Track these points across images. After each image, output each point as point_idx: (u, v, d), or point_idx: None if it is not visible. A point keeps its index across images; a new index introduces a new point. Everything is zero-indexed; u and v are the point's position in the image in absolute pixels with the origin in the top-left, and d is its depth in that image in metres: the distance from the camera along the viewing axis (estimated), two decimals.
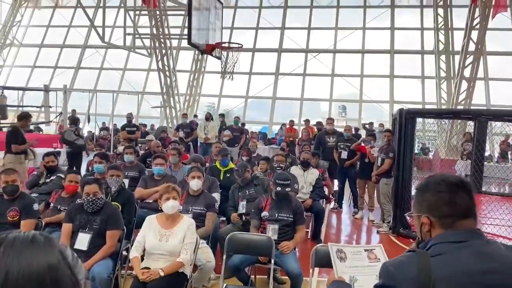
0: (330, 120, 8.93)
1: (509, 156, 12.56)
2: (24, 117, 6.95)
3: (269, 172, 6.00)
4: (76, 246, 3.46)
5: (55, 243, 0.70)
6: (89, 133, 16.67)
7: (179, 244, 3.29)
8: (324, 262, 3.44)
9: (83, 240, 3.49)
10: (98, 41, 10.20)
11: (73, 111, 16.13)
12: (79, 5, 14.46)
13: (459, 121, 11.95)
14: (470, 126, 11.05)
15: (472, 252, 1.25)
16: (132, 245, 3.50)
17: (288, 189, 4.07)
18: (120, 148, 7.55)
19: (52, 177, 5.24)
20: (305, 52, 18.51)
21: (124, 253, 4.16)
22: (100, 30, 9.11)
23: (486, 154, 11.31)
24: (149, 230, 3.30)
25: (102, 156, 5.72)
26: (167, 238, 3.29)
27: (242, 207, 4.91)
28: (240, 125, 11.52)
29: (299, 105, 17.90)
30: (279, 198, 4.08)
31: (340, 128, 9.26)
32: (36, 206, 3.87)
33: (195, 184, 4.28)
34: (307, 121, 12.24)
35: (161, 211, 3.44)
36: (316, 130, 11.45)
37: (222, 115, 12.77)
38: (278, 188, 4.06)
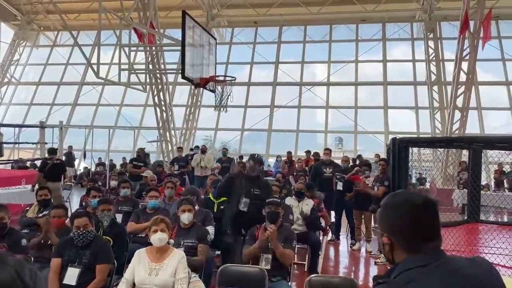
0: (327, 151, 8.94)
1: (505, 185, 12.52)
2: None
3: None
4: (65, 281, 3.38)
5: (10, 261, 0.68)
6: (85, 169, 16.64)
7: (169, 278, 3.22)
8: None
9: (72, 275, 3.41)
10: (95, 78, 10.33)
11: (70, 147, 16.21)
12: (76, 43, 14.76)
13: (454, 150, 12.00)
14: (465, 155, 11.09)
15: (445, 273, 1.21)
16: None
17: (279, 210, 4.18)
18: (113, 183, 7.50)
19: (45, 212, 5.19)
20: (299, 85, 18.77)
21: None
22: (96, 66, 9.24)
23: (483, 183, 11.29)
24: (138, 264, 3.24)
25: (98, 190, 5.75)
26: (156, 272, 3.22)
27: (244, 204, 4.92)
28: (238, 157, 11.63)
29: (294, 137, 17.99)
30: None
31: (338, 160, 9.26)
32: (24, 242, 3.82)
33: (186, 218, 4.22)
34: (308, 152, 12.35)
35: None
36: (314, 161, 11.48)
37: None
38: (268, 210, 4.14)
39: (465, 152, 11.10)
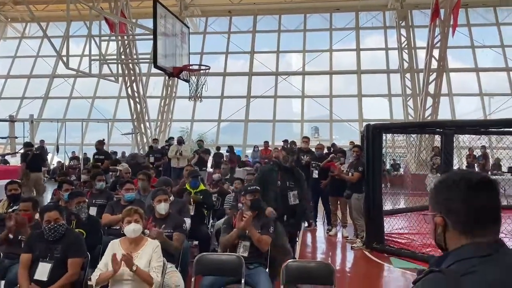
0: (306, 139, 8.97)
1: (476, 169, 12.87)
2: None
3: (242, 193, 5.96)
4: (36, 277, 3.30)
5: None
6: (59, 164, 16.27)
7: (144, 268, 3.18)
8: (295, 278, 3.41)
9: (43, 270, 3.32)
10: (66, 70, 10.07)
11: (41, 141, 15.81)
12: (45, 35, 14.34)
13: (427, 135, 12.25)
14: (438, 140, 11.33)
15: (505, 267, 1.09)
16: None
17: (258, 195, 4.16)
18: (84, 177, 7.36)
19: (15, 207, 5.05)
20: (275, 75, 18.76)
21: (89, 282, 4.01)
22: (66, 58, 9.00)
23: (455, 167, 11.58)
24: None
25: (70, 183, 5.68)
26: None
27: (293, 197, 4.76)
28: (215, 149, 11.58)
29: (271, 127, 18.02)
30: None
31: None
32: None
33: (162, 208, 4.17)
34: (285, 141, 12.45)
35: None
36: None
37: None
38: (250, 198, 4.10)
39: (438, 138, 11.37)
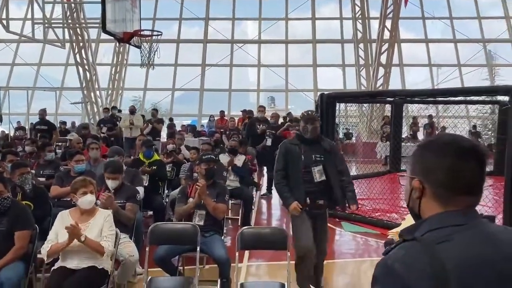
0: (262, 108, 8.99)
1: (419, 137, 13.48)
2: None
3: (197, 163, 5.93)
4: None
5: None
6: (3, 134, 15.43)
7: (96, 238, 3.12)
8: (250, 245, 3.46)
9: None
10: (7, 35, 9.40)
11: None
12: None
13: (378, 105, 12.63)
14: (388, 110, 11.72)
15: (479, 235, 1.05)
16: None
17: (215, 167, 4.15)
18: (28, 148, 7.02)
19: None
20: (230, 43, 18.46)
21: (39, 255, 3.89)
22: (6, 21, 8.39)
23: (404, 135, 12.05)
24: (62, 227, 3.08)
25: (15, 154, 5.44)
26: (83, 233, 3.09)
27: (319, 174, 3.66)
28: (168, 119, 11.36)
29: (227, 97, 17.87)
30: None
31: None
32: None
33: (111, 185, 4.07)
34: (244, 111, 12.49)
35: None
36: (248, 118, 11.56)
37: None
38: (205, 167, 4.08)
39: (388, 108, 11.76)
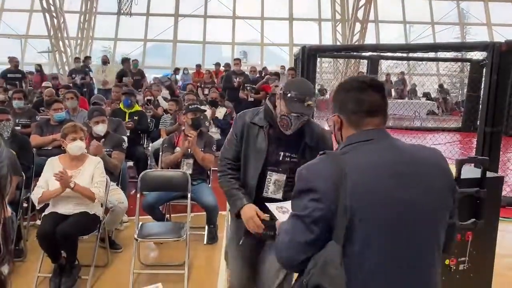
0: (237, 61, 8.92)
1: (393, 94, 13.75)
2: None
3: (178, 114, 5.88)
4: None
5: None
6: None
7: (87, 185, 3.12)
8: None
9: None
10: None
11: None
12: None
13: (353, 61, 12.68)
14: (362, 66, 11.80)
15: (382, 146, 1.28)
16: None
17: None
18: (0, 96, 6.75)
19: None
20: None
21: (25, 204, 3.87)
22: None
23: None
24: (51, 173, 3.05)
25: None
26: (73, 179, 3.08)
27: (275, 185, 2.17)
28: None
29: (201, 49, 17.47)
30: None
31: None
32: None
33: (100, 129, 4.03)
34: (217, 64, 12.29)
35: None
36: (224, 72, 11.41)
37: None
38: (191, 117, 4.07)
39: (363, 64, 11.83)
